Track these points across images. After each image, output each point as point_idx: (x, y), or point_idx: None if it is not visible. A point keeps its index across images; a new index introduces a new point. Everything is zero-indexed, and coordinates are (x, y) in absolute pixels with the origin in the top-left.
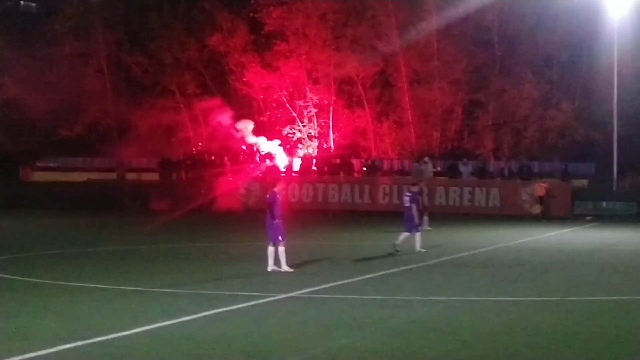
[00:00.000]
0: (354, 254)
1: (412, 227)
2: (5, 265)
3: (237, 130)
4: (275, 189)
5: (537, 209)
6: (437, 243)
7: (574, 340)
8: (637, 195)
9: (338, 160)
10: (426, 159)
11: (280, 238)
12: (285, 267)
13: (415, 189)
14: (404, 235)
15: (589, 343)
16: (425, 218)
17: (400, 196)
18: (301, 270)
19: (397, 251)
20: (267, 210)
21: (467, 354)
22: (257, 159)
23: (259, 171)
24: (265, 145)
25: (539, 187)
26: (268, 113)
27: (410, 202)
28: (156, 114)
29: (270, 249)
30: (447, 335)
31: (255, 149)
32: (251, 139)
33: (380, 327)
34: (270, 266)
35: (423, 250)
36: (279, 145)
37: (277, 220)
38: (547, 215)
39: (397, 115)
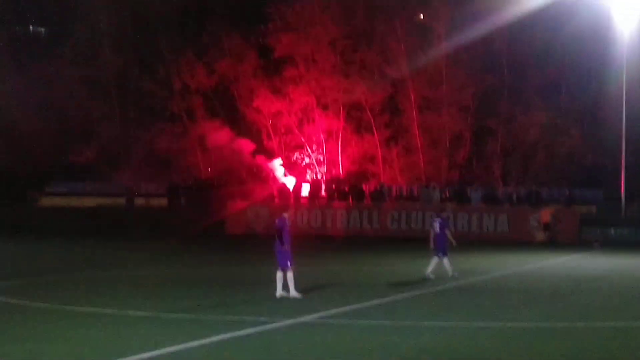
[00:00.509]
0: (361, 279)
1: (442, 252)
2: (14, 290)
3: (270, 170)
4: (285, 215)
5: (541, 236)
6: (445, 269)
7: None
8: None
9: (347, 188)
10: (433, 184)
11: (288, 264)
12: (293, 293)
13: (444, 214)
14: (445, 260)
15: None
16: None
17: (408, 222)
18: (308, 296)
19: (431, 277)
20: (276, 236)
21: None
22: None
23: (271, 193)
24: (279, 170)
25: (545, 214)
26: (277, 138)
27: (440, 227)
28: (165, 139)
29: (279, 274)
30: None
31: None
32: (282, 176)
33: (388, 353)
34: (279, 292)
35: (432, 276)
36: (283, 169)
37: (285, 246)
38: (554, 242)
39: (405, 141)
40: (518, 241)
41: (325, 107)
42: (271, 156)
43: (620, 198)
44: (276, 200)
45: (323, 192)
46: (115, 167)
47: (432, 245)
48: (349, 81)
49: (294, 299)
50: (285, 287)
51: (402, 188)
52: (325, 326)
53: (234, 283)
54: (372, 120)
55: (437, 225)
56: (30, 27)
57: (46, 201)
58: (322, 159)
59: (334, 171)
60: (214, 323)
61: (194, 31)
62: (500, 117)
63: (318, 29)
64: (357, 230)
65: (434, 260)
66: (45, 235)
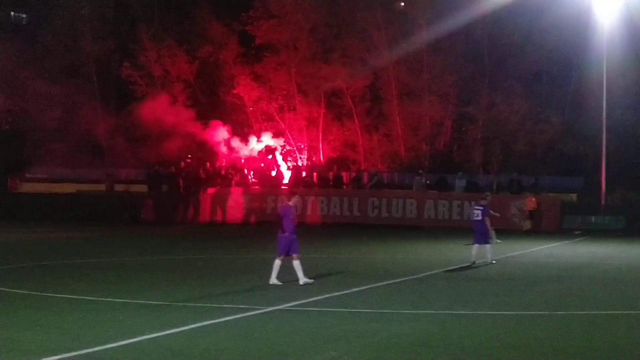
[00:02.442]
0: (341, 267)
1: (482, 239)
2: None
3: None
4: (290, 202)
5: (527, 224)
6: (426, 256)
7: (562, 355)
8: (625, 209)
9: (331, 174)
10: (421, 172)
11: (289, 251)
12: (304, 279)
13: (484, 202)
14: (476, 247)
15: (577, 357)
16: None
17: (389, 209)
18: (289, 284)
19: (474, 263)
20: (278, 223)
21: None
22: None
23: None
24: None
25: (530, 202)
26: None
27: (482, 215)
28: (146, 126)
29: (277, 262)
30: (435, 349)
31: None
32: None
33: (368, 340)
34: (273, 279)
35: (494, 261)
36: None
37: (287, 233)
38: (537, 230)
39: (386, 128)
40: (499, 229)
41: (306, 94)
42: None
43: (601, 186)
44: (256, 186)
45: (303, 179)
46: (95, 153)
47: (487, 232)
48: (330, 68)
49: (305, 284)
50: (276, 274)
51: (384, 175)
52: (305, 313)
53: (215, 271)
54: (353, 108)
55: (478, 213)
56: (12, 13)
57: (26, 187)
58: (302, 146)
59: (314, 158)
60: (193, 310)
61: (176, 18)
62: (480, 105)
63: (299, 16)
64: (336, 218)
65: (475, 247)
66: (25, 221)
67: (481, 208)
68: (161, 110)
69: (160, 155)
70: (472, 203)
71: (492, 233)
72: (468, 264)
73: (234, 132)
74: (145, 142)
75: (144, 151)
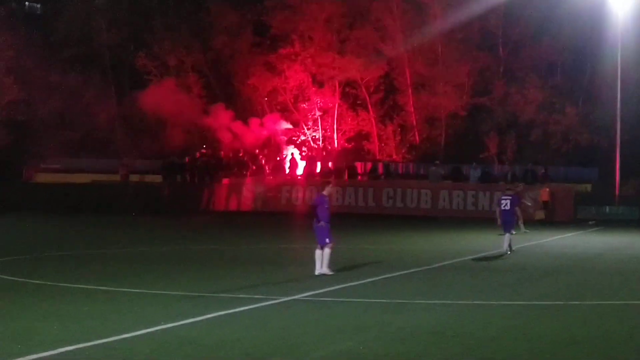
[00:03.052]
0: (357, 258)
1: (509, 228)
2: (7, 267)
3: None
4: (324, 192)
5: (540, 214)
6: (440, 247)
7: (577, 345)
8: None
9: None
10: (437, 162)
11: (327, 240)
12: (321, 270)
13: (511, 192)
14: (507, 236)
15: (592, 347)
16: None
17: (404, 200)
18: (304, 273)
19: (512, 251)
20: (313, 213)
21: (469, 358)
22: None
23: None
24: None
25: (544, 192)
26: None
27: (511, 204)
28: (161, 116)
29: (318, 252)
30: (450, 339)
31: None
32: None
33: (382, 330)
34: (318, 270)
35: (509, 252)
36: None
37: (321, 223)
38: (551, 220)
39: (401, 118)
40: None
41: (320, 85)
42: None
43: (615, 176)
44: (270, 176)
45: (318, 169)
46: (110, 143)
47: (499, 222)
48: (345, 59)
49: (323, 275)
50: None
51: (397, 165)
52: (320, 304)
53: (230, 261)
54: (368, 98)
55: (506, 203)
56: (26, 3)
57: (41, 177)
58: (317, 136)
59: (329, 148)
60: (208, 300)
61: (190, 8)
62: (495, 95)
63: (314, 7)
64: (351, 208)
65: (507, 236)
66: (41, 212)
67: (509, 197)
68: (165, 96)
69: (174, 145)
70: (487, 194)
71: (521, 223)
72: (502, 253)
73: (246, 121)
74: (157, 132)
75: (155, 141)
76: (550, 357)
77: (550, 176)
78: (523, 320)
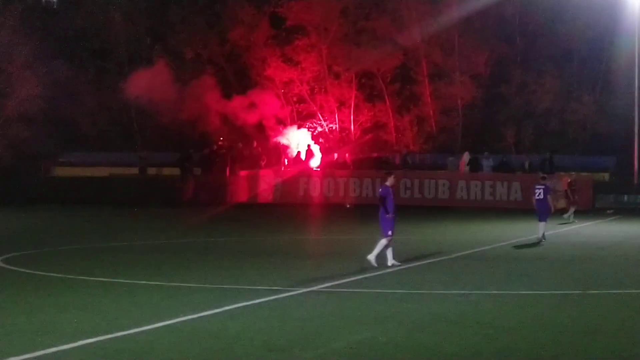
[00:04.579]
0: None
1: (544, 217)
2: (27, 260)
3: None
4: (387, 183)
5: (562, 203)
6: (458, 237)
7: (595, 334)
8: None
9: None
10: (457, 154)
11: (390, 232)
12: (371, 257)
13: (545, 182)
14: (542, 224)
15: (610, 336)
16: (571, 211)
17: (421, 190)
18: (322, 264)
19: (545, 239)
20: (380, 204)
21: (488, 348)
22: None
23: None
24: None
25: (564, 181)
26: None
27: (544, 194)
28: (177, 108)
29: (382, 241)
30: (469, 328)
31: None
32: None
33: (401, 320)
34: (390, 260)
35: (544, 240)
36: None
37: (390, 214)
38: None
39: (418, 109)
40: (531, 209)
41: (337, 76)
42: (284, 125)
43: (633, 165)
44: (287, 167)
45: (335, 160)
46: (127, 136)
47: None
48: (361, 49)
49: (368, 262)
50: (381, 254)
51: (415, 156)
52: (338, 295)
53: (248, 252)
54: (384, 89)
55: (540, 192)
56: None
57: (59, 171)
58: (334, 128)
59: (346, 139)
60: (228, 292)
61: (206, 1)
62: (512, 84)
63: None
64: (369, 199)
65: (542, 225)
66: (59, 205)
67: (542, 187)
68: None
69: (191, 138)
70: (504, 184)
71: (571, 213)
72: (536, 241)
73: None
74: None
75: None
76: (570, 346)
77: (556, 165)
78: (542, 309)
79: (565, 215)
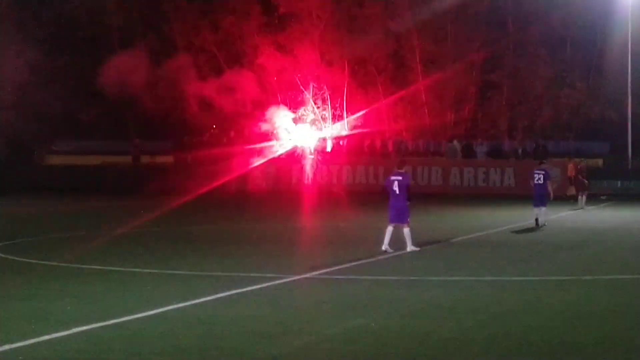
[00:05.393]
0: (369, 235)
1: (541, 202)
2: (21, 248)
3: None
4: (403, 170)
5: (571, 190)
6: (452, 224)
7: (589, 319)
8: None
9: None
10: (455, 140)
11: (409, 219)
12: (411, 247)
13: (544, 167)
14: (542, 210)
15: (604, 322)
16: (583, 197)
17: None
18: (315, 252)
19: (545, 225)
20: (401, 192)
21: (482, 333)
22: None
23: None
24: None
25: (570, 167)
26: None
27: (544, 179)
28: (169, 96)
29: (406, 230)
30: (463, 315)
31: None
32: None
33: (395, 307)
34: (410, 246)
35: (546, 224)
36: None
37: (409, 202)
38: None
39: (411, 96)
40: (524, 195)
41: (329, 63)
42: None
43: (626, 151)
44: (283, 157)
45: (328, 149)
46: (120, 124)
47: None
48: (354, 36)
49: (386, 250)
50: (392, 242)
51: (408, 143)
52: (332, 281)
53: (241, 240)
54: (377, 76)
55: (540, 177)
56: None
57: (53, 159)
58: (327, 115)
59: (339, 127)
60: (220, 279)
61: None
62: (505, 71)
63: None
64: (362, 186)
65: (543, 210)
66: (53, 193)
67: (542, 172)
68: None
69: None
70: (497, 170)
71: (582, 199)
72: (538, 226)
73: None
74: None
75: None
76: (564, 332)
77: (549, 151)
78: (536, 295)
79: (580, 203)
